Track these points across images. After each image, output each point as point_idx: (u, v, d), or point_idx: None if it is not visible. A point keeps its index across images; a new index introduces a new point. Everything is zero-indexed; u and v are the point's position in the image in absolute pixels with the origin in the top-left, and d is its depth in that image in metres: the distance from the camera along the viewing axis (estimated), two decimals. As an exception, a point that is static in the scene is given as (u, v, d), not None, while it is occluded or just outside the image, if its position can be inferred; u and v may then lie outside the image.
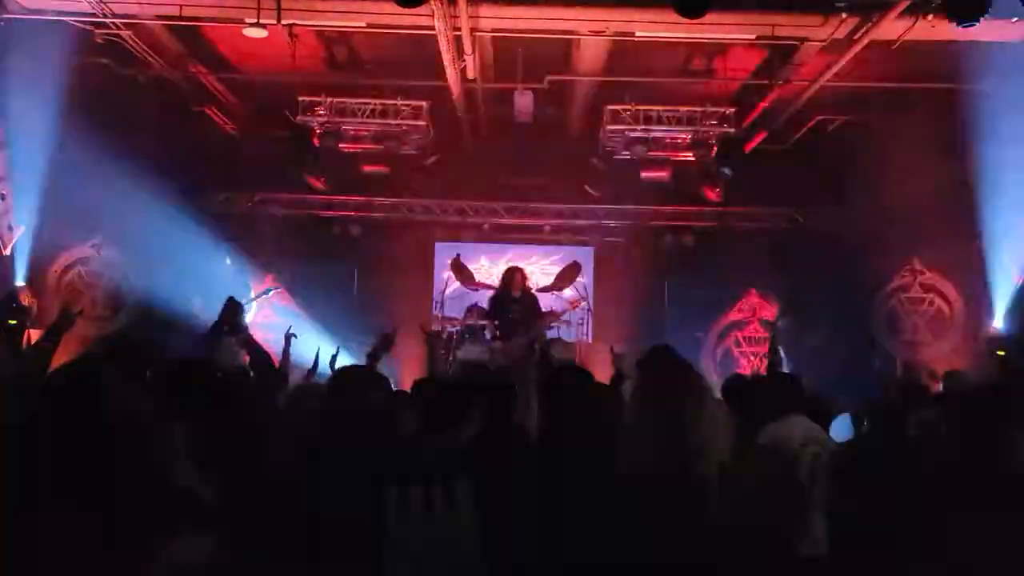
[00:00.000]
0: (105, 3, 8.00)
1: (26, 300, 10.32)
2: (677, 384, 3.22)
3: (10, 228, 9.12)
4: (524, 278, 10.24)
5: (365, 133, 11.25)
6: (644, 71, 10.47)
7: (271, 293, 10.57)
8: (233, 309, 4.29)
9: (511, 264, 11.48)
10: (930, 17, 7.68)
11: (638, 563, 2.94)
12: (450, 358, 11.06)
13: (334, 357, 5.78)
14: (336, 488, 3.17)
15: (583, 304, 11.99)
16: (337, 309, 11.85)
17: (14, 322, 9.92)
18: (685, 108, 10.81)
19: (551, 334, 11.71)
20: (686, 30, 8.40)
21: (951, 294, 11.85)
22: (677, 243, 13.45)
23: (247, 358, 4.48)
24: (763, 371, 10.51)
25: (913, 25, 7.88)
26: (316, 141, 10.83)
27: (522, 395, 4.05)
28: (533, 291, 10.84)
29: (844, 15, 7.95)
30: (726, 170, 11.04)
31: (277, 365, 4.83)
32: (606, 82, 10.43)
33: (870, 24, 8.04)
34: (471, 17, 8.14)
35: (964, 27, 7.07)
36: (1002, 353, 9.52)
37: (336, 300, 12.12)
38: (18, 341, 9.53)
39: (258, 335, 4.57)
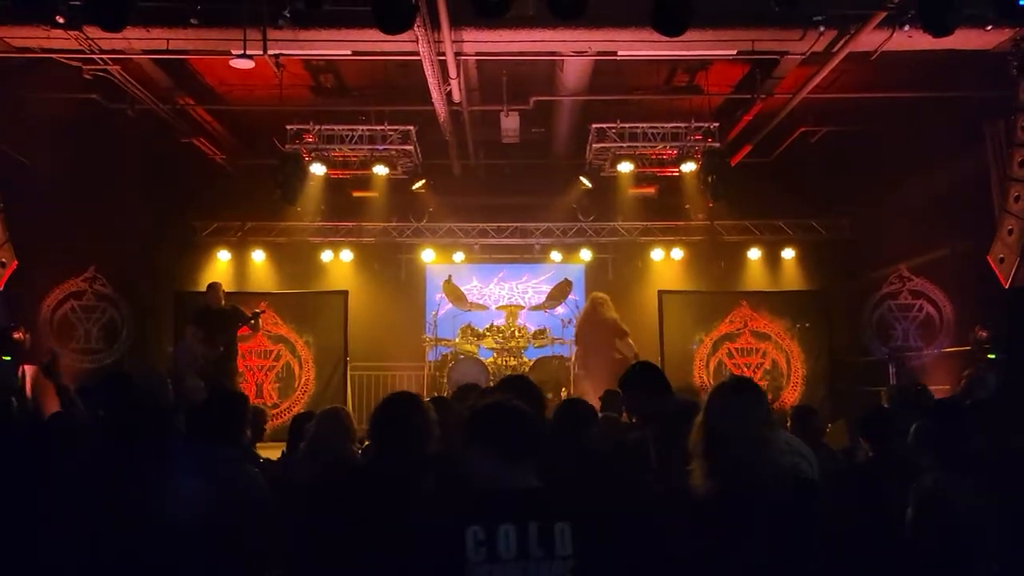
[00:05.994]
0: (92, 39, 8.06)
1: (19, 335, 10.32)
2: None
3: (3, 264, 9.13)
4: None
5: (354, 159, 11.34)
6: (628, 89, 10.60)
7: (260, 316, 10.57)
8: None
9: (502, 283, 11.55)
10: (906, 28, 7.80)
11: None
12: (444, 379, 11.12)
13: None
14: None
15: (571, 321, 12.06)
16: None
17: (8, 358, 9.93)
18: (670, 124, 10.93)
19: (544, 351, 11.78)
20: (667, 48, 8.52)
21: (940, 299, 11.96)
22: (667, 257, 13.55)
23: None
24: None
25: (890, 37, 8.01)
26: (305, 168, 10.90)
27: None
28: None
29: (822, 28, 8.06)
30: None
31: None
32: (591, 101, 10.53)
33: (848, 37, 8.16)
34: (455, 42, 8.23)
35: (939, 37, 7.18)
36: (992, 356, 9.59)
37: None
38: (12, 377, 9.54)
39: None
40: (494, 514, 2.62)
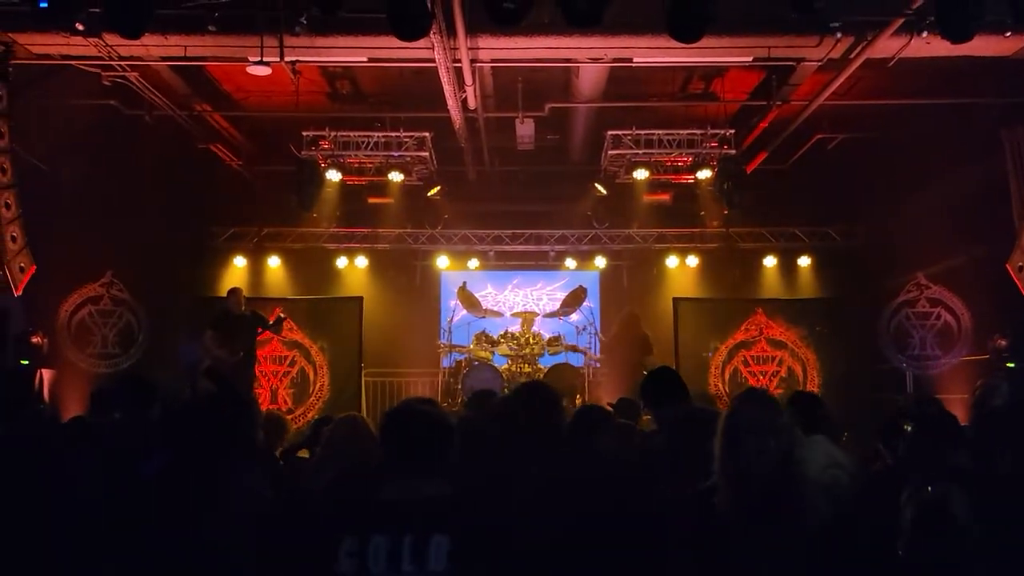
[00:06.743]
0: (111, 46, 8.13)
1: (37, 340, 10.39)
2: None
3: (21, 269, 9.20)
4: None
5: (369, 165, 11.38)
6: (644, 96, 10.59)
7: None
8: None
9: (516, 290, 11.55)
10: (924, 34, 7.75)
11: None
12: (459, 386, 11.11)
13: None
14: None
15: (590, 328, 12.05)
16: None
17: (26, 362, 10.00)
18: (685, 131, 10.90)
19: (559, 358, 11.76)
20: (683, 55, 8.51)
21: (958, 307, 11.85)
22: (682, 264, 13.51)
23: None
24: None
25: (908, 43, 7.96)
26: (321, 174, 10.93)
27: None
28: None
29: (839, 35, 8.02)
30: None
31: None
32: (606, 108, 10.53)
33: (865, 43, 8.12)
34: (470, 48, 8.24)
35: (958, 43, 7.13)
36: (1011, 365, 9.50)
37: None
38: (30, 381, 9.61)
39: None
40: (368, 525, 2.55)
